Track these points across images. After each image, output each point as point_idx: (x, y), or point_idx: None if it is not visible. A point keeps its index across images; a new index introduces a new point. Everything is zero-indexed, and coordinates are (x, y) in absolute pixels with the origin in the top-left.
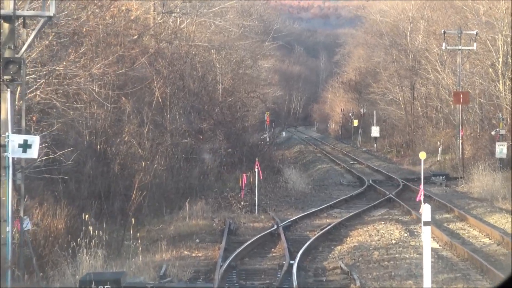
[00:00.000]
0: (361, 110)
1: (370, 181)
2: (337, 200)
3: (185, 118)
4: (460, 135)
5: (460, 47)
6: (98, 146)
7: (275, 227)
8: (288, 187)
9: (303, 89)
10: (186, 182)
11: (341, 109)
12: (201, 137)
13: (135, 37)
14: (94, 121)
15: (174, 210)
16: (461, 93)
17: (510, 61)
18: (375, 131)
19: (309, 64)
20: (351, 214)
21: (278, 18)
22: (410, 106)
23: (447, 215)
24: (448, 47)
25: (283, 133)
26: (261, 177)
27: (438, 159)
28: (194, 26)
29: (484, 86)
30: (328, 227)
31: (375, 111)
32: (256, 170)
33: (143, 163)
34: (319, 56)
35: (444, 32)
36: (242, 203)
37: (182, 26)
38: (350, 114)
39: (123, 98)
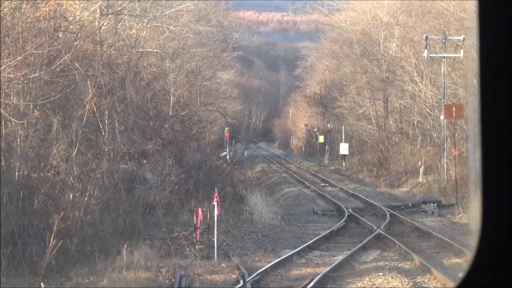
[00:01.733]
0: (328, 126)
1: (350, 210)
2: (316, 237)
3: (125, 137)
4: (453, 155)
5: (444, 55)
6: (17, 173)
7: (241, 283)
8: (253, 219)
9: (263, 103)
10: (127, 219)
11: (305, 124)
12: (145, 161)
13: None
14: (11, 141)
15: (110, 255)
16: (453, 106)
17: None
18: (343, 149)
19: (269, 78)
20: (336, 259)
21: (238, 27)
22: (383, 121)
23: (457, 260)
24: (431, 55)
25: (245, 152)
26: (218, 212)
27: (420, 180)
28: (145, 31)
29: (470, 99)
30: (311, 284)
31: (343, 127)
32: (215, 203)
33: (71, 195)
34: (279, 69)
35: (426, 38)
36: (197, 246)
37: (132, 32)
38: (315, 130)
39: (48, 111)
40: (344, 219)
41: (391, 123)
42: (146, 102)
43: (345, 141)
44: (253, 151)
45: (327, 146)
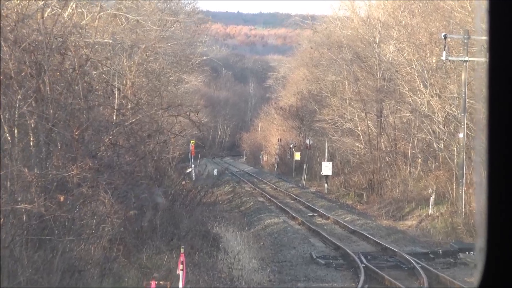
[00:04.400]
0: (307, 141)
1: (361, 258)
2: None
3: (34, 155)
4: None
5: (466, 58)
6: None
7: None
8: (233, 275)
9: (231, 115)
10: None
11: (278, 139)
12: (62, 197)
13: None
14: None
15: None
16: None
17: None
18: (326, 168)
19: (237, 90)
20: None
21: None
22: (375, 138)
23: None
24: (450, 58)
25: (215, 170)
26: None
27: (430, 212)
28: (97, 21)
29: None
30: None
31: (326, 143)
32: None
33: None
34: (247, 81)
35: (445, 37)
36: None
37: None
38: (290, 146)
39: None
40: (361, 276)
41: (383, 141)
42: (69, 102)
43: (328, 160)
44: (219, 167)
45: (305, 164)
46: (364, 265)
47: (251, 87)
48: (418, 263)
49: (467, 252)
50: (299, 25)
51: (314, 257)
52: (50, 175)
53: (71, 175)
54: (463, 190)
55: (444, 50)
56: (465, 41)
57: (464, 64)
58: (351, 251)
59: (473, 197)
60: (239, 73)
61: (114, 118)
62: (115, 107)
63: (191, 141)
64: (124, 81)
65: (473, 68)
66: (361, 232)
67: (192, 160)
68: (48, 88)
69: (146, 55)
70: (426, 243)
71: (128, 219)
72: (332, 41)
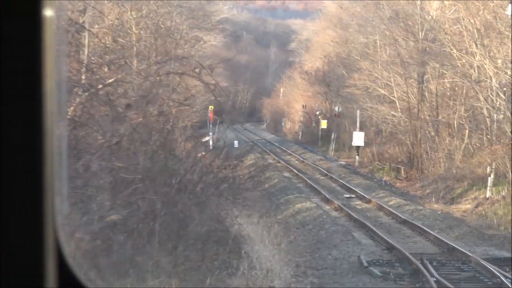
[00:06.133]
0: (335, 109)
1: (429, 266)
2: None
3: None
4: None
5: None
6: None
7: None
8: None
9: (251, 81)
10: None
11: (303, 105)
12: None
13: None
14: None
15: None
16: None
17: None
18: (358, 139)
19: (258, 54)
20: None
21: None
22: (417, 107)
23: None
24: None
25: (236, 142)
26: None
27: (489, 195)
28: None
29: None
30: None
31: (358, 111)
32: None
33: None
34: (269, 46)
35: None
36: None
37: None
38: (317, 113)
39: None
40: None
41: (425, 109)
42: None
43: (360, 129)
44: (240, 134)
45: (333, 134)
46: (435, 279)
47: (272, 51)
48: (504, 275)
49: None
50: None
51: (365, 263)
52: None
53: None
54: None
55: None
56: None
57: None
58: (410, 253)
59: None
60: (260, 37)
61: (83, 78)
62: (85, 58)
63: (210, 107)
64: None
65: None
66: (415, 223)
67: (211, 127)
68: None
69: (157, 6)
70: (497, 239)
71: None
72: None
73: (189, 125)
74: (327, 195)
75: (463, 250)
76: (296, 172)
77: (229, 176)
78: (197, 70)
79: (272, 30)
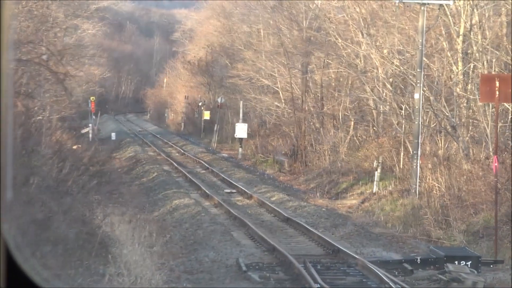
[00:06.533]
0: (218, 100)
1: (312, 271)
2: None
3: None
4: (494, 165)
5: (424, 1)
6: None
7: None
8: None
9: (135, 71)
10: None
11: (185, 96)
12: None
13: None
14: None
15: None
16: (497, 76)
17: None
18: (241, 131)
19: (143, 44)
20: None
21: None
22: (300, 97)
23: None
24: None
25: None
26: None
27: (375, 190)
28: None
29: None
30: None
31: (241, 102)
32: None
33: None
34: (153, 36)
35: None
36: None
37: None
38: (199, 104)
39: None
40: None
41: (309, 100)
42: None
43: (243, 121)
44: (122, 126)
45: (216, 125)
46: (318, 285)
47: (156, 41)
48: (393, 281)
49: (456, 262)
50: None
51: (244, 267)
52: None
53: None
54: (418, 164)
55: None
56: None
57: (422, 8)
58: (293, 256)
59: (432, 176)
60: (144, 27)
61: None
62: None
63: (91, 98)
64: None
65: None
66: (298, 221)
67: (93, 117)
68: None
69: None
70: (385, 239)
71: None
72: None
73: (65, 116)
74: (207, 191)
75: (348, 251)
76: (176, 165)
77: (104, 171)
78: (44, 57)
79: (157, 20)
